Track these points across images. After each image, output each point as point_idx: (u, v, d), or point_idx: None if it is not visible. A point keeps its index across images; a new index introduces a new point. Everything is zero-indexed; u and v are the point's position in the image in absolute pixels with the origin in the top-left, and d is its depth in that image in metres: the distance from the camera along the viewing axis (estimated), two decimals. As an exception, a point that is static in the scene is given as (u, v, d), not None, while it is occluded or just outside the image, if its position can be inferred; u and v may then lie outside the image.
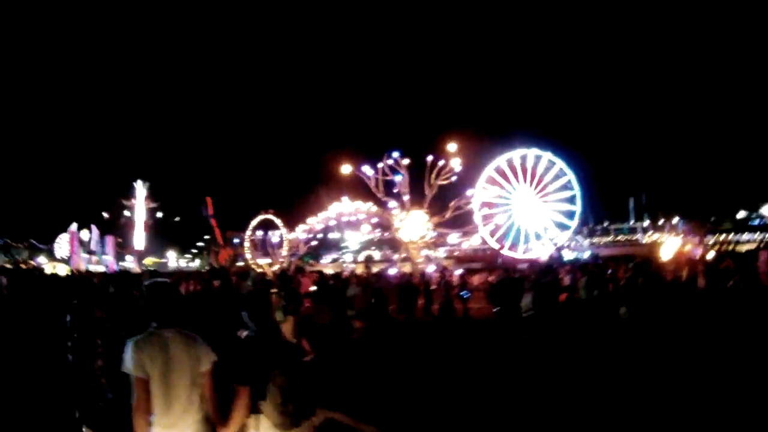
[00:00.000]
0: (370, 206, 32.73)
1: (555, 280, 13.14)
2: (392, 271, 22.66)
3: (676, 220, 71.02)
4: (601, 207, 74.86)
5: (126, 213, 57.52)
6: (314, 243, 38.71)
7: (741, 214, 79.72)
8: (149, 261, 60.76)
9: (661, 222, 74.86)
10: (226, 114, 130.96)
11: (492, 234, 31.89)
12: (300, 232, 35.01)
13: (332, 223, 35.06)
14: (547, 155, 31.68)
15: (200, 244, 72.19)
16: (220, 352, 3.55)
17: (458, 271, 22.54)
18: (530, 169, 31.97)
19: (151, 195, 59.70)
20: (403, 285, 16.61)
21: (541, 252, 31.28)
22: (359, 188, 32.82)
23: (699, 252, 31.32)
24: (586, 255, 37.68)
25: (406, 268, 28.55)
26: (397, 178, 30.76)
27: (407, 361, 10.36)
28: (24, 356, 8.75)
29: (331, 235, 42.12)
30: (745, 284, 10.23)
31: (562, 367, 9.29)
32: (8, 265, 34.85)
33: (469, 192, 30.80)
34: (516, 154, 31.84)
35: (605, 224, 77.83)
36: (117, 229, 62.14)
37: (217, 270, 25.44)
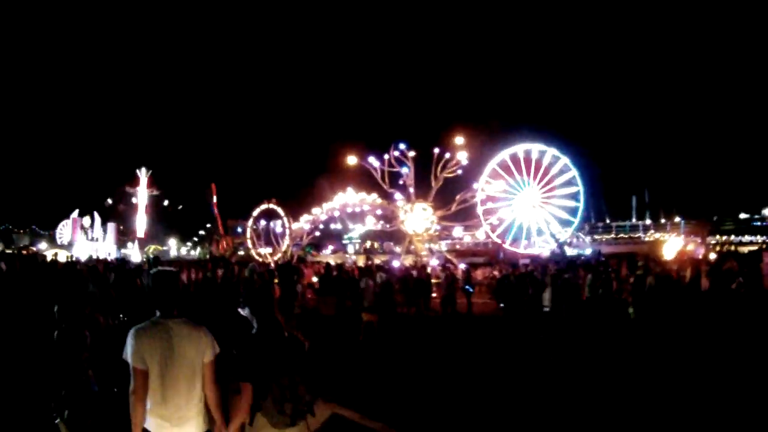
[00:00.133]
0: (375, 198, 32.62)
1: (575, 276, 12.78)
2: (396, 264, 22.57)
3: (677, 219, 71.04)
4: (604, 204, 74.88)
5: (129, 200, 57.60)
6: (317, 234, 38.56)
7: (742, 216, 79.72)
8: (151, 248, 60.87)
9: (662, 221, 74.86)
10: (231, 103, 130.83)
11: (494, 229, 31.83)
12: (303, 223, 34.91)
13: (336, 213, 34.91)
14: (552, 150, 31.51)
15: (202, 232, 72.27)
16: (223, 344, 3.47)
17: (462, 265, 22.46)
18: (534, 164, 31.85)
19: (154, 182, 59.80)
20: (412, 278, 16.40)
21: (542, 248, 31.18)
22: (364, 179, 32.72)
23: (701, 252, 31.26)
24: (587, 252, 37.59)
25: (408, 260, 28.48)
26: (404, 170, 30.62)
27: (416, 356, 10.27)
28: (7, 344, 8.58)
29: (333, 226, 41.92)
30: (749, 286, 10.16)
31: (573, 367, 9.19)
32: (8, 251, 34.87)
33: (475, 185, 30.71)
34: (520, 149, 31.70)
35: (607, 221, 77.80)
36: (119, 216, 62.31)
37: (218, 259, 25.37)
